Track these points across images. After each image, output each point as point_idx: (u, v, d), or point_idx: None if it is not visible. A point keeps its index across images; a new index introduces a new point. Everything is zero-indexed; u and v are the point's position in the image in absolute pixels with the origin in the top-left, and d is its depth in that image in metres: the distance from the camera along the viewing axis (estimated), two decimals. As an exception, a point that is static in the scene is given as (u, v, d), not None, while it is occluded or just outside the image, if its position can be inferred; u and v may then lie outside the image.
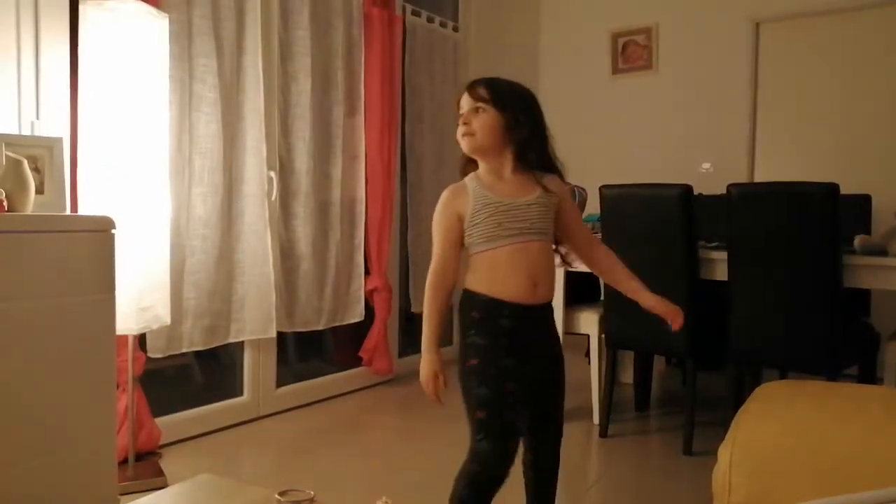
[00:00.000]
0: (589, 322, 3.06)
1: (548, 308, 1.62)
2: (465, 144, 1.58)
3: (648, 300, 1.64)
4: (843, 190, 2.36)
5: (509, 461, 1.50)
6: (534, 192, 1.56)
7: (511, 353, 1.54)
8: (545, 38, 5.08)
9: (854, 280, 2.42)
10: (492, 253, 1.54)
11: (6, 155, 1.84)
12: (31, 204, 1.86)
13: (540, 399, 1.62)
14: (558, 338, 1.66)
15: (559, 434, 1.67)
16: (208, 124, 2.72)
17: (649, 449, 2.83)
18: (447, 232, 1.57)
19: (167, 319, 2.35)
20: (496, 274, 1.54)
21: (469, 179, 1.59)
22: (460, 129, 1.57)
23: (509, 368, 1.53)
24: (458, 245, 1.58)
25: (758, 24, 4.27)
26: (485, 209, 1.53)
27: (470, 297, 1.57)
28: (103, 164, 2.16)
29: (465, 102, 1.57)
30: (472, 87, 1.57)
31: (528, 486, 1.69)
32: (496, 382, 1.52)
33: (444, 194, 1.59)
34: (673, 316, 1.63)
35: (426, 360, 1.57)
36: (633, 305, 2.81)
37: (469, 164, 1.63)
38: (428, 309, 1.58)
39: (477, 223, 1.54)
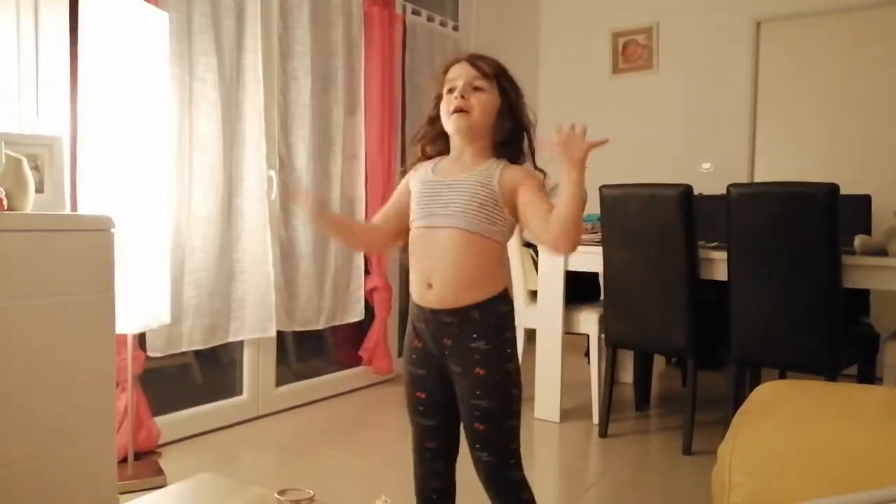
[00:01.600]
0: (588, 321, 3.06)
1: (445, 316, 1.37)
2: (455, 121, 1.37)
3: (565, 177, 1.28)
4: (843, 190, 2.36)
5: None
6: (473, 170, 1.38)
7: (415, 362, 1.47)
8: (545, 37, 5.07)
9: (854, 280, 2.42)
10: (410, 233, 1.43)
11: (6, 153, 1.84)
12: (31, 203, 1.86)
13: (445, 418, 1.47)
14: (491, 346, 1.37)
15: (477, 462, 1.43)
16: (208, 123, 2.72)
17: (649, 449, 2.83)
18: (395, 195, 1.52)
19: (167, 318, 2.35)
20: (411, 263, 1.43)
21: (427, 164, 1.47)
22: (453, 103, 1.37)
23: (416, 375, 1.47)
24: (396, 212, 1.49)
25: (758, 24, 4.27)
26: (417, 182, 1.44)
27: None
28: (103, 163, 2.16)
29: (462, 73, 1.39)
30: (474, 59, 1.40)
31: None
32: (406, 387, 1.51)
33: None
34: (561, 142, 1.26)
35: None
36: (634, 305, 2.81)
37: (433, 143, 1.47)
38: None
39: (413, 195, 1.44)
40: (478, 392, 1.37)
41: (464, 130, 1.38)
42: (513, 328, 1.42)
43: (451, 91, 1.39)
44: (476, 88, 1.37)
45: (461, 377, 1.40)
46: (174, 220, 2.61)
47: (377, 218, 1.53)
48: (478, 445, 1.40)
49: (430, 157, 1.48)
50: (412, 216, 1.43)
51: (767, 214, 2.43)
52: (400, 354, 3.87)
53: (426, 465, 1.53)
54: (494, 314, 1.38)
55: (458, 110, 1.36)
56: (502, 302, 1.40)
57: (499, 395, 1.38)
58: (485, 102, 1.37)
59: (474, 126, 1.38)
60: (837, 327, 2.38)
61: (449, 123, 1.40)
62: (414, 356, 1.48)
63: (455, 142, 1.43)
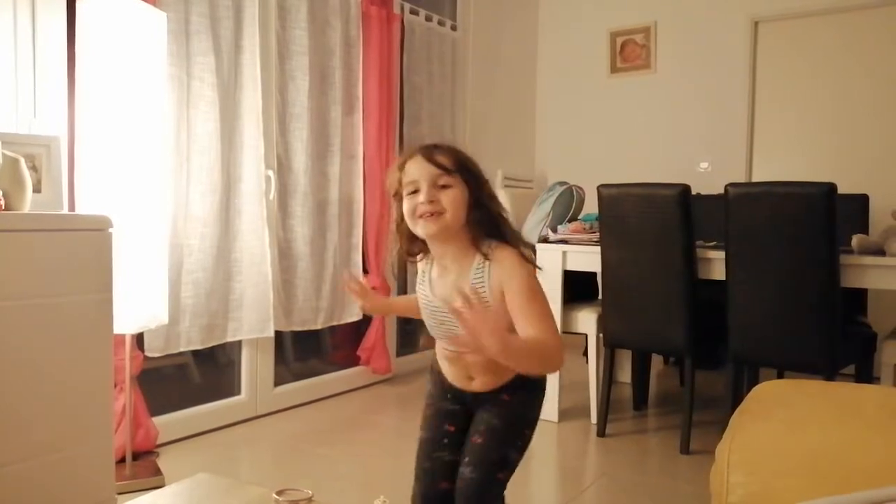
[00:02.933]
0: (587, 321, 3.06)
1: (489, 395, 1.41)
2: (425, 227, 1.29)
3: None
4: (841, 190, 2.37)
5: None
6: (465, 284, 1.29)
7: (450, 400, 1.49)
8: (543, 36, 5.07)
9: (851, 280, 2.43)
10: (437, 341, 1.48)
11: (3, 153, 1.84)
12: (29, 203, 1.86)
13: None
14: (504, 403, 1.41)
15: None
16: (206, 123, 2.72)
17: (647, 448, 2.84)
18: None
19: (165, 318, 2.35)
20: (440, 357, 1.48)
21: (422, 272, 1.44)
22: (422, 208, 1.27)
23: (449, 410, 1.50)
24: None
25: (756, 24, 4.28)
26: (422, 299, 1.42)
27: None
28: (101, 163, 2.15)
29: (422, 173, 1.29)
30: (431, 154, 1.30)
31: None
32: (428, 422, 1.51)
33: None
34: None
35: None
36: (632, 305, 2.82)
37: (411, 244, 1.40)
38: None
39: (423, 309, 1.44)
40: (494, 410, 1.40)
41: (435, 234, 1.31)
42: (542, 389, 1.47)
43: (414, 192, 1.30)
44: (443, 186, 1.29)
45: (485, 403, 1.42)
46: (172, 220, 2.61)
47: None
48: (467, 459, 1.37)
49: (412, 255, 1.44)
50: (429, 327, 1.44)
51: (765, 214, 2.44)
52: (398, 354, 3.90)
53: None
54: (524, 385, 1.43)
55: (431, 214, 1.28)
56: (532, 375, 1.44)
57: (510, 422, 1.40)
58: (455, 199, 1.28)
59: (447, 228, 1.29)
60: (835, 327, 2.39)
61: (417, 227, 1.31)
62: (449, 395, 1.48)
63: (432, 245, 1.37)
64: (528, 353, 1.20)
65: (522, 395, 1.42)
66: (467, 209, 1.30)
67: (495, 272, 1.30)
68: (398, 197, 1.35)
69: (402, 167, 1.33)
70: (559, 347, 1.23)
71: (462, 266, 1.34)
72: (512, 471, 1.40)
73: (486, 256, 1.31)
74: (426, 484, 1.45)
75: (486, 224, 1.32)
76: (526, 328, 1.23)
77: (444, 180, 1.29)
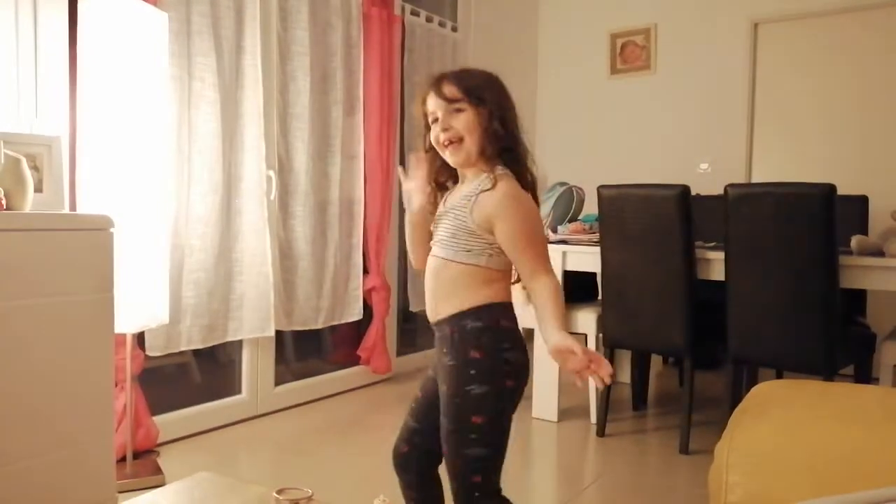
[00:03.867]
0: (586, 321, 3.06)
1: (444, 325, 1.35)
2: (452, 156, 1.35)
3: (556, 343, 1.23)
4: (840, 191, 2.37)
5: None
6: (459, 195, 1.36)
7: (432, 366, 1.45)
8: (544, 38, 5.08)
9: (850, 280, 2.43)
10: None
11: (5, 153, 1.84)
12: (30, 202, 1.86)
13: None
14: (454, 364, 1.32)
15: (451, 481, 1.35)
16: (207, 123, 2.72)
17: (646, 448, 2.84)
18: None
19: (166, 318, 2.35)
20: None
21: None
22: (441, 136, 1.33)
23: (427, 376, 1.48)
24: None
25: (756, 25, 4.28)
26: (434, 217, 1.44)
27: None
28: (102, 163, 2.16)
29: (436, 105, 1.35)
30: (437, 87, 1.35)
31: None
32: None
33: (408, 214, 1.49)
34: (580, 367, 1.20)
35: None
36: (631, 305, 2.82)
37: (441, 174, 1.44)
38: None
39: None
40: (442, 410, 1.34)
41: (462, 163, 1.36)
42: (486, 348, 1.31)
43: (435, 121, 1.36)
44: (456, 111, 1.33)
45: (438, 391, 1.38)
46: (173, 220, 2.61)
47: None
48: (447, 469, 1.35)
49: (442, 184, 1.45)
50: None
51: (765, 215, 2.44)
52: (398, 354, 3.90)
53: (398, 472, 1.49)
54: (460, 329, 1.32)
55: (448, 142, 1.34)
56: (472, 318, 1.32)
57: (457, 419, 1.31)
58: (467, 122, 1.32)
59: (470, 153, 1.34)
60: (834, 327, 2.39)
61: (446, 156, 1.37)
62: (433, 363, 1.47)
63: (461, 170, 1.41)
64: (561, 306, 1.27)
65: (458, 373, 1.31)
66: (483, 131, 1.33)
67: (487, 201, 1.31)
68: (427, 128, 1.40)
69: (424, 101, 1.38)
70: (558, 281, 1.32)
71: (469, 185, 1.36)
72: (486, 466, 1.32)
73: (487, 182, 1.32)
74: (395, 443, 1.50)
75: (498, 143, 1.34)
76: (523, 271, 1.32)
77: (454, 106, 1.33)
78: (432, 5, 4.11)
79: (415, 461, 1.47)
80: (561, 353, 1.22)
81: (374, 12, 3.49)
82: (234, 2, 2.81)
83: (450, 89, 1.33)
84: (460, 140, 1.33)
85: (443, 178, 1.45)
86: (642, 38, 4.64)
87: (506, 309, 1.36)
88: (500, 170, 1.34)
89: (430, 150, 1.42)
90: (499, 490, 1.35)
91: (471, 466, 1.30)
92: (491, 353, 1.31)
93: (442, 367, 1.36)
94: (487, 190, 1.31)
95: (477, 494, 1.31)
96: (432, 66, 4.03)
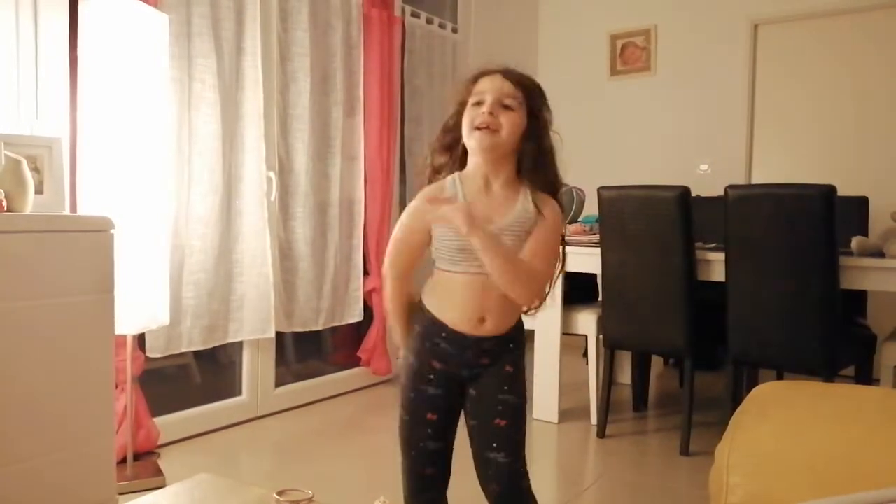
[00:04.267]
0: (587, 322, 3.06)
1: (489, 343, 1.37)
2: (480, 138, 1.30)
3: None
4: (841, 192, 2.37)
5: None
6: (511, 212, 1.32)
7: (431, 382, 1.40)
8: (544, 39, 5.08)
9: (851, 281, 2.43)
10: (448, 276, 1.36)
11: (5, 154, 1.84)
12: (31, 204, 1.86)
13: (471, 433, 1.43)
14: (518, 373, 1.41)
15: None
16: (207, 124, 2.73)
17: (647, 449, 2.84)
18: (408, 234, 1.38)
19: (166, 319, 2.35)
20: (446, 299, 1.38)
21: (451, 182, 1.36)
22: (479, 118, 1.29)
23: (430, 395, 1.41)
24: (418, 247, 1.39)
25: (756, 26, 4.28)
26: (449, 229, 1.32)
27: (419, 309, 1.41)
28: (103, 164, 2.16)
29: (493, 88, 1.31)
30: (509, 74, 1.32)
31: None
32: (412, 407, 1.42)
33: (422, 194, 1.38)
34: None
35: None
36: (632, 306, 2.82)
37: (442, 152, 1.40)
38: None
39: (443, 240, 1.34)
40: (506, 387, 1.39)
41: (488, 149, 1.31)
42: (524, 361, 1.47)
43: (478, 104, 1.32)
44: (505, 107, 1.30)
45: (489, 376, 1.39)
46: (173, 221, 2.61)
47: (405, 251, 1.41)
48: (495, 444, 1.37)
49: (438, 172, 1.41)
50: (450, 256, 1.35)
51: (765, 216, 2.44)
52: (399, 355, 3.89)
53: (423, 495, 1.45)
54: (521, 330, 1.45)
55: (485, 127, 1.29)
56: (518, 332, 1.44)
57: (523, 395, 1.42)
58: (513, 122, 1.30)
59: (499, 146, 1.31)
60: (835, 328, 2.39)
61: (471, 139, 1.32)
62: (431, 377, 1.40)
63: (476, 162, 1.35)
64: (513, 261, 1.28)
65: (520, 356, 1.43)
66: (521, 138, 1.32)
67: (538, 210, 1.33)
68: (461, 107, 1.36)
69: (475, 80, 1.35)
70: (545, 280, 1.34)
71: (508, 195, 1.35)
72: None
73: (532, 197, 1.33)
74: (413, 468, 1.45)
75: (534, 159, 1.34)
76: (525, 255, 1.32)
77: (509, 101, 1.30)
78: (432, 7, 4.11)
79: (440, 478, 1.45)
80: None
81: (375, 13, 3.49)
82: (234, 3, 2.82)
83: (519, 85, 1.32)
84: (497, 130, 1.30)
85: (440, 159, 1.41)
86: (642, 40, 4.64)
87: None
88: (538, 191, 1.35)
89: (446, 130, 1.40)
90: None
91: (523, 438, 1.43)
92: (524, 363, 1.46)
93: (501, 359, 1.40)
94: (535, 205, 1.33)
95: (523, 470, 1.41)
96: (432, 68, 4.03)
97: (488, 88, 1.32)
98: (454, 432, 1.44)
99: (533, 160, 1.33)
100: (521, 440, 1.41)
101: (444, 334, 1.37)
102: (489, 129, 1.29)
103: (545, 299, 1.38)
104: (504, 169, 1.35)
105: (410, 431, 1.43)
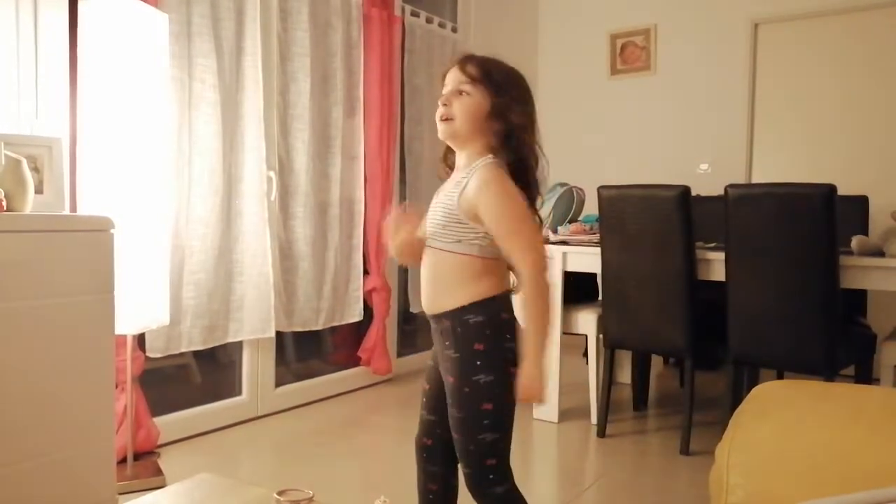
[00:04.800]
0: (587, 322, 3.06)
1: (444, 319, 1.37)
2: (440, 129, 1.38)
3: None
4: (841, 191, 2.37)
5: None
6: (449, 184, 1.39)
7: (432, 357, 1.48)
8: (544, 39, 5.08)
9: (851, 281, 2.43)
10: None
11: (5, 154, 1.84)
12: (31, 204, 1.86)
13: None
14: (459, 356, 1.35)
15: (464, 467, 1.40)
16: (207, 124, 2.73)
17: (647, 449, 2.84)
18: None
19: (166, 319, 2.35)
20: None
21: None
22: (438, 111, 1.38)
23: (429, 367, 1.50)
24: None
25: (756, 26, 4.28)
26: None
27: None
28: (102, 164, 2.16)
29: (452, 79, 1.38)
30: (463, 62, 1.38)
31: None
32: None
33: None
34: (524, 394, 1.31)
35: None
36: (632, 306, 2.82)
37: (450, 152, 1.45)
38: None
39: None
40: (450, 400, 1.38)
41: (448, 138, 1.39)
42: (489, 340, 1.34)
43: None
44: (461, 93, 1.35)
45: (442, 381, 1.42)
46: (173, 221, 2.61)
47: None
48: (458, 455, 1.40)
49: (450, 168, 1.47)
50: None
51: (765, 215, 2.44)
52: (399, 355, 3.90)
53: (422, 465, 1.53)
54: (462, 324, 1.34)
55: (441, 118, 1.37)
56: (473, 313, 1.34)
57: (468, 407, 1.35)
58: (466, 106, 1.34)
59: (457, 133, 1.36)
60: (835, 328, 2.39)
61: (438, 132, 1.40)
62: (433, 353, 1.48)
63: (455, 150, 1.42)
64: (539, 315, 1.30)
65: (464, 364, 1.33)
66: (483, 119, 1.34)
67: (466, 192, 1.33)
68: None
69: (443, 78, 1.40)
70: (542, 271, 1.31)
71: (458, 173, 1.38)
72: (499, 448, 1.36)
73: (473, 171, 1.34)
74: (417, 435, 1.53)
75: (499, 135, 1.35)
76: (509, 257, 1.33)
77: (463, 87, 1.35)
78: (432, 6, 4.11)
79: (440, 452, 1.49)
80: (525, 390, 1.30)
81: (375, 13, 3.49)
82: (234, 3, 2.82)
83: (472, 68, 1.35)
84: (451, 119, 1.35)
85: (450, 160, 1.46)
86: (642, 39, 4.64)
87: (504, 300, 1.38)
88: (487, 159, 1.35)
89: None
90: (510, 473, 1.39)
91: (485, 450, 1.35)
92: (494, 344, 1.35)
93: (445, 358, 1.39)
94: (469, 182, 1.33)
95: (491, 477, 1.36)
96: (432, 67, 4.03)
97: (448, 81, 1.38)
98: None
99: (498, 137, 1.35)
100: (477, 451, 1.35)
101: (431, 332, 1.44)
102: (444, 119, 1.36)
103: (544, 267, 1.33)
104: (470, 147, 1.38)
105: (421, 401, 1.51)
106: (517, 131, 1.35)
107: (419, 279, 1.46)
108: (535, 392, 1.30)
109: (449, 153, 1.45)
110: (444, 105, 1.36)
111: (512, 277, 1.38)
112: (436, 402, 1.47)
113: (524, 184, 1.36)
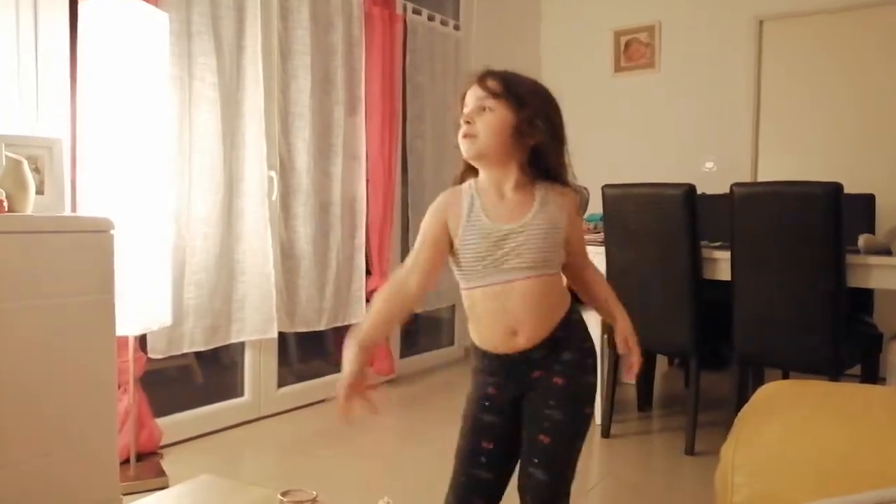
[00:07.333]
0: (591, 322, 3.04)
1: (535, 353, 1.32)
2: (464, 148, 1.31)
3: (622, 331, 1.41)
4: (847, 189, 2.35)
5: None
6: (529, 211, 1.30)
7: (488, 409, 1.37)
8: (547, 36, 5.07)
9: (857, 279, 2.41)
10: (469, 293, 1.33)
11: (6, 155, 1.84)
12: (31, 204, 1.86)
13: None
14: (578, 358, 1.35)
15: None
16: (208, 123, 2.72)
17: (652, 449, 2.82)
18: (432, 243, 1.34)
19: (168, 320, 2.35)
20: (474, 320, 1.35)
21: (467, 187, 1.34)
22: (461, 129, 1.30)
23: (486, 423, 1.37)
24: (436, 259, 1.33)
25: (761, 22, 4.26)
26: (472, 232, 1.29)
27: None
28: (103, 164, 2.16)
29: (472, 97, 1.31)
30: (482, 79, 1.32)
31: None
32: (469, 436, 1.38)
33: (440, 198, 1.37)
34: (630, 363, 1.40)
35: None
36: (636, 305, 2.80)
37: (467, 173, 1.38)
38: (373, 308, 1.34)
39: (464, 249, 1.31)
40: (552, 402, 1.32)
41: (473, 157, 1.32)
42: (591, 339, 1.39)
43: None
44: (484, 109, 1.29)
45: (539, 390, 1.33)
46: (174, 221, 2.61)
47: (414, 276, 1.34)
48: (536, 460, 1.31)
49: (462, 181, 1.39)
50: (470, 267, 1.32)
51: (771, 214, 2.42)
52: (401, 355, 3.89)
53: None
54: (574, 325, 1.37)
55: (464, 136, 1.30)
56: (574, 312, 1.38)
57: (573, 409, 1.33)
58: (490, 123, 1.28)
59: (482, 151, 1.30)
60: (841, 327, 2.37)
61: (462, 151, 1.33)
62: (487, 404, 1.37)
63: (482, 171, 1.35)
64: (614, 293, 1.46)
65: (576, 364, 1.34)
66: (508, 135, 1.29)
67: (566, 205, 1.36)
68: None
69: (463, 97, 1.35)
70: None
71: (521, 199, 1.32)
72: (578, 459, 1.37)
73: (548, 195, 1.33)
74: (459, 496, 1.40)
75: (529, 152, 1.32)
76: (586, 266, 1.45)
77: (487, 103, 1.30)
78: (434, 4, 4.10)
79: None
80: (626, 339, 1.41)
81: (376, 11, 3.48)
82: (234, 1, 2.81)
83: (493, 83, 1.30)
84: (474, 136, 1.29)
85: (466, 177, 1.40)
86: (646, 36, 4.62)
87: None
88: (556, 186, 1.36)
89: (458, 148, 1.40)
90: None
91: (572, 457, 1.34)
92: (592, 344, 1.41)
93: (551, 367, 1.33)
94: (551, 193, 1.34)
95: (566, 490, 1.35)
96: (434, 65, 4.02)
97: (469, 99, 1.32)
98: (511, 467, 1.37)
99: (532, 156, 1.32)
100: (565, 459, 1.33)
101: (485, 360, 1.35)
102: (466, 137, 1.30)
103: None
104: (509, 173, 1.32)
105: (464, 460, 1.38)
106: (543, 147, 1.31)
107: None
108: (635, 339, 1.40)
109: (466, 174, 1.38)
110: (467, 123, 1.30)
111: None
112: (500, 458, 1.37)
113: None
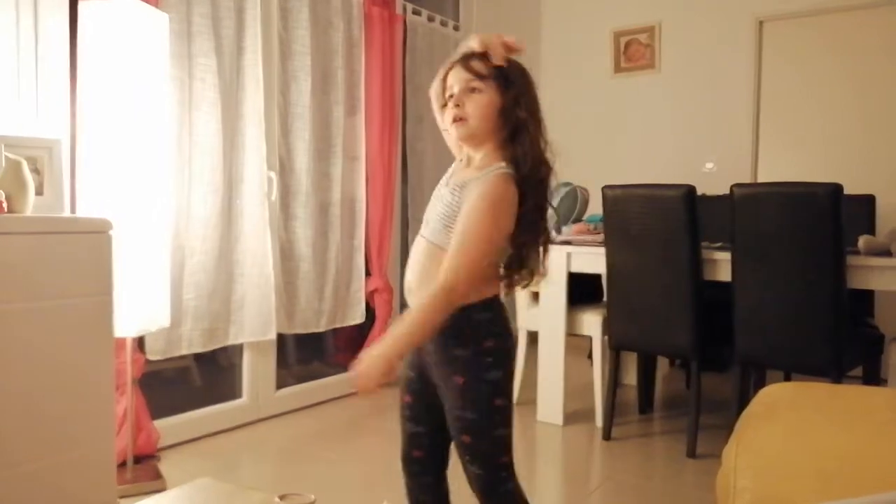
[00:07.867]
0: (592, 323, 3.04)
1: (437, 351, 1.33)
2: (455, 132, 1.32)
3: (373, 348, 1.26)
4: (847, 190, 2.34)
5: None
6: (457, 179, 1.34)
7: (407, 365, 1.43)
8: (547, 36, 5.06)
9: (858, 281, 2.40)
10: None
11: (6, 156, 1.84)
12: (31, 205, 1.86)
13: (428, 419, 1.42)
14: (473, 354, 1.31)
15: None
16: (208, 124, 2.71)
17: (653, 452, 2.82)
18: None
19: (166, 321, 2.34)
20: None
21: (452, 167, 1.43)
22: (450, 114, 1.31)
23: (406, 378, 1.44)
24: None
25: (761, 23, 4.26)
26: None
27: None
28: (103, 165, 2.15)
29: (457, 79, 1.31)
30: (466, 60, 1.31)
31: None
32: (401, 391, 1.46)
33: None
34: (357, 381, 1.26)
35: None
36: (637, 306, 2.80)
37: (459, 152, 1.43)
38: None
39: None
40: (460, 402, 1.32)
41: (464, 140, 1.33)
42: (496, 336, 1.33)
43: (451, 98, 1.33)
44: (472, 90, 1.30)
45: (444, 387, 1.35)
46: (174, 222, 2.60)
47: None
48: (467, 457, 1.35)
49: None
50: None
51: (771, 215, 2.42)
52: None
53: (414, 478, 1.48)
54: (469, 322, 1.30)
55: (455, 119, 1.30)
56: (478, 311, 1.31)
57: (481, 406, 1.32)
58: (480, 105, 1.29)
59: (474, 133, 1.31)
60: (842, 328, 2.36)
61: (452, 135, 1.35)
62: (408, 358, 1.42)
63: (467, 148, 1.37)
64: (420, 320, 1.24)
65: (473, 363, 1.31)
66: (497, 116, 1.30)
67: (469, 187, 1.29)
68: (445, 107, 1.37)
69: (444, 78, 1.35)
70: (450, 293, 1.23)
71: (478, 171, 1.31)
72: (509, 444, 1.37)
73: (491, 171, 1.28)
74: (403, 449, 1.48)
75: (509, 132, 1.30)
76: (442, 262, 1.26)
77: (474, 84, 1.30)
78: (434, 4, 4.10)
79: (431, 463, 1.46)
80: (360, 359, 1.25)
81: (376, 12, 3.48)
82: (234, 2, 2.80)
83: (479, 65, 1.30)
84: (465, 119, 1.30)
85: (461, 155, 1.42)
86: (646, 37, 4.62)
87: (500, 300, 1.37)
88: (501, 167, 1.29)
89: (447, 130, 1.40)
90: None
91: (500, 447, 1.35)
92: (499, 340, 1.34)
93: (445, 358, 1.33)
94: (477, 179, 1.28)
95: (504, 474, 1.35)
96: (434, 66, 4.01)
97: (454, 81, 1.32)
98: (440, 421, 1.38)
99: (507, 134, 1.30)
100: (492, 450, 1.35)
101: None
102: (457, 120, 1.30)
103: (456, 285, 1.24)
104: (486, 146, 1.33)
105: (400, 414, 1.46)
106: (526, 124, 1.30)
107: None
108: (369, 375, 1.23)
109: (458, 151, 1.42)
110: (457, 106, 1.30)
111: (501, 286, 1.35)
112: (425, 413, 1.42)
113: (528, 185, 1.30)
